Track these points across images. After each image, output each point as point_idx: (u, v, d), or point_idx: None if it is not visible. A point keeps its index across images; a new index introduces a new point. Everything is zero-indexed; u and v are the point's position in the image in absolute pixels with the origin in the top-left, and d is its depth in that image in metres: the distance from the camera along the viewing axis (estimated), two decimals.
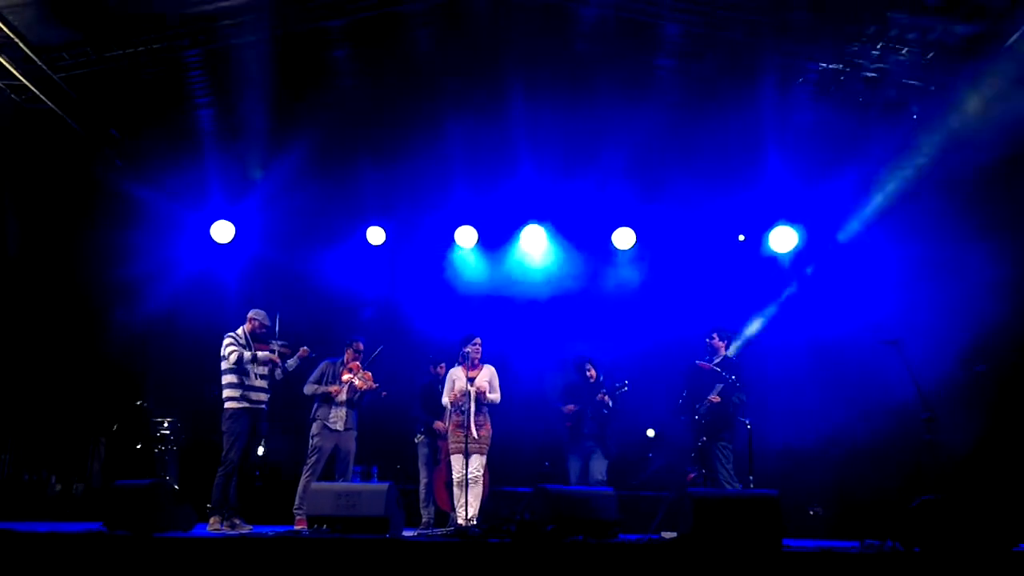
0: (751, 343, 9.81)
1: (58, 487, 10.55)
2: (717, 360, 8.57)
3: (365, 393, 8.64)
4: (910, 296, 9.69)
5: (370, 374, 8.68)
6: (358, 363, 8.72)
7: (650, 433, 11.06)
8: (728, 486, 8.07)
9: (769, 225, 10.99)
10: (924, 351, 8.19)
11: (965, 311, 9.18)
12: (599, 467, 8.77)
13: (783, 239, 10.92)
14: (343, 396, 8.54)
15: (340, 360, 8.76)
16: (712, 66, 9.88)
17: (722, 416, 8.29)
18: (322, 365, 8.69)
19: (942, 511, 5.72)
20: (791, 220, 10.91)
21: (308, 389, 8.62)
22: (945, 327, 9.15)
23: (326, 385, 8.56)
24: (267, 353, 8.10)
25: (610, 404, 8.82)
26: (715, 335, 8.71)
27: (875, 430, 9.60)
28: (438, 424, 8.94)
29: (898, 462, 9.12)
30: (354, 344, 8.82)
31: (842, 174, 10.26)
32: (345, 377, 8.57)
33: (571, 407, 8.95)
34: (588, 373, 9.11)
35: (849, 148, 10.15)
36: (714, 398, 8.30)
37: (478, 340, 8.63)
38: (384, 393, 8.81)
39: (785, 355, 10.35)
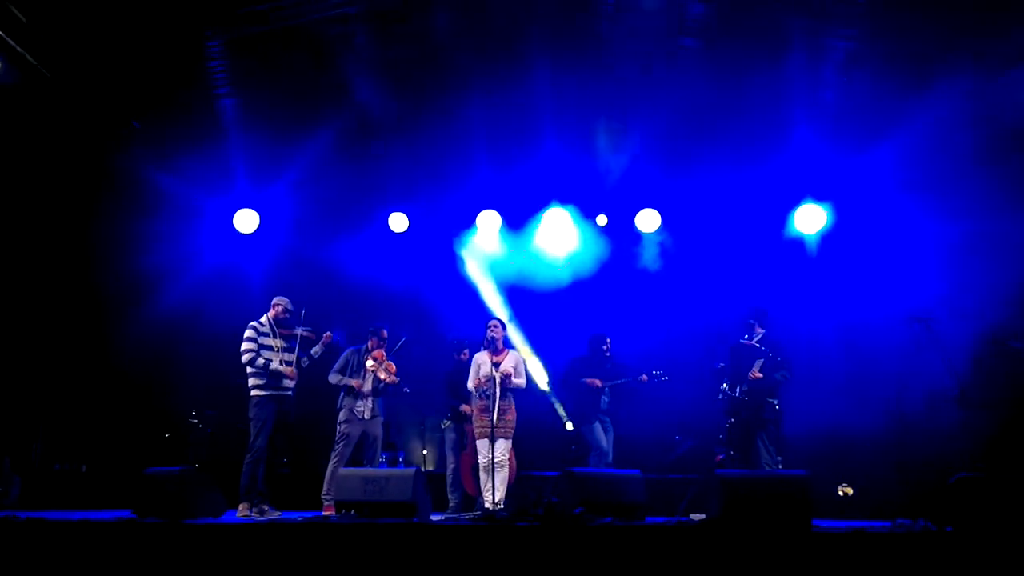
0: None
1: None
2: (757, 339, 8.48)
3: (388, 385, 8.62)
4: (941, 274, 9.58)
5: (394, 366, 8.63)
6: (382, 351, 8.69)
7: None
8: (768, 469, 7.99)
9: (796, 203, 10.85)
10: (957, 329, 8.10)
11: (999, 288, 9.07)
12: (609, 442, 9.07)
13: (811, 218, 10.78)
14: (368, 387, 8.54)
15: (364, 347, 8.75)
16: (737, 42, 9.74)
17: (764, 393, 8.19)
18: (346, 353, 8.69)
19: (976, 490, 5.64)
20: (819, 198, 10.76)
21: (332, 379, 8.63)
22: (979, 305, 9.04)
23: (350, 376, 8.57)
24: (282, 369, 8.07)
25: (644, 379, 9.18)
26: (752, 319, 8.61)
27: (906, 409, 9.51)
28: (465, 407, 8.94)
29: (930, 441, 9.02)
30: (378, 332, 8.78)
31: (873, 151, 10.12)
32: (369, 364, 8.55)
33: (598, 382, 9.07)
34: (605, 348, 9.27)
35: (880, 124, 10.00)
36: (755, 373, 8.21)
37: (495, 322, 8.65)
38: (406, 390, 8.78)
39: (815, 335, 10.25)
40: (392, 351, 8.80)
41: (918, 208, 10.07)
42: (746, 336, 8.57)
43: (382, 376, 8.51)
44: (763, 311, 8.65)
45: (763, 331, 8.50)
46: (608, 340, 9.33)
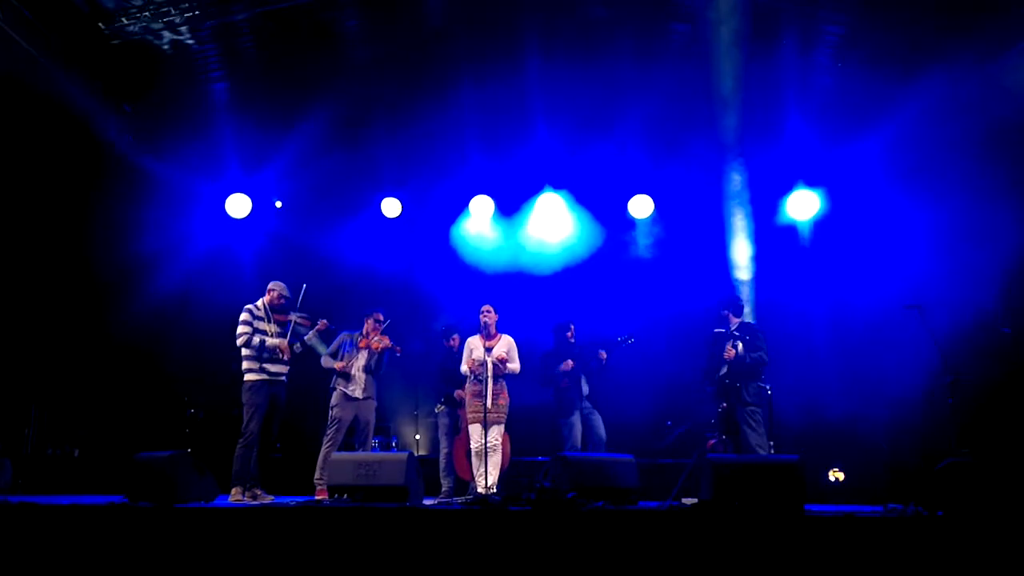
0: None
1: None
2: (733, 328, 8.47)
3: (384, 353, 8.59)
4: (932, 260, 9.60)
5: (387, 337, 8.65)
6: (377, 332, 8.68)
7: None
8: (760, 451, 7.99)
9: (788, 189, 10.85)
10: (948, 314, 8.11)
11: (989, 274, 9.09)
12: (599, 425, 8.85)
13: (803, 203, 10.78)
14: (360, 363, 8.53)
15: (359, 332, 8.74)
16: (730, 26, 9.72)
17: (741, 374, 8.19)
18: (340, 336, 8.68)
19: (966, 474, 5.67)
20: (811, 184, 10.76)
21: (324, 362, 8.62)
22: (969, 290, 9.06)
23: (340, 359, 8.55)
24: (275, 341, 8.08)
25: (604, 357, 8.88)
26: (725, 310, 8.60)
27: (897, 394, 9.54)
28: (458, 392, 8.94)
29: (921, 426, 9.07)
30: (374, 315, 8.77)
31: (864, 138, 10.12)
32: (362, 345, 8.55)
33: (570, 363, 8.89)
34: (569, 335, 9.12)
35: (871, 110, 9.99)
36: (729, 352, 8.23)
37: (488, 307, 8.62)
38: (399, 350, 8.73)
39: (808, 320, 10.28)
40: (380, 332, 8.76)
41: (909, 195, 10.08)
42: (722, 329, 8.55)
43: (375, 345, 8.50)
44: (735, 301, 8.64)
45: (739, 320, 8.50)
46: (572, 327, 9.15)
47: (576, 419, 8.85)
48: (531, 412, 9.49)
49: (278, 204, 11.76)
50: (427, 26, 10.12)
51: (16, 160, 10.35)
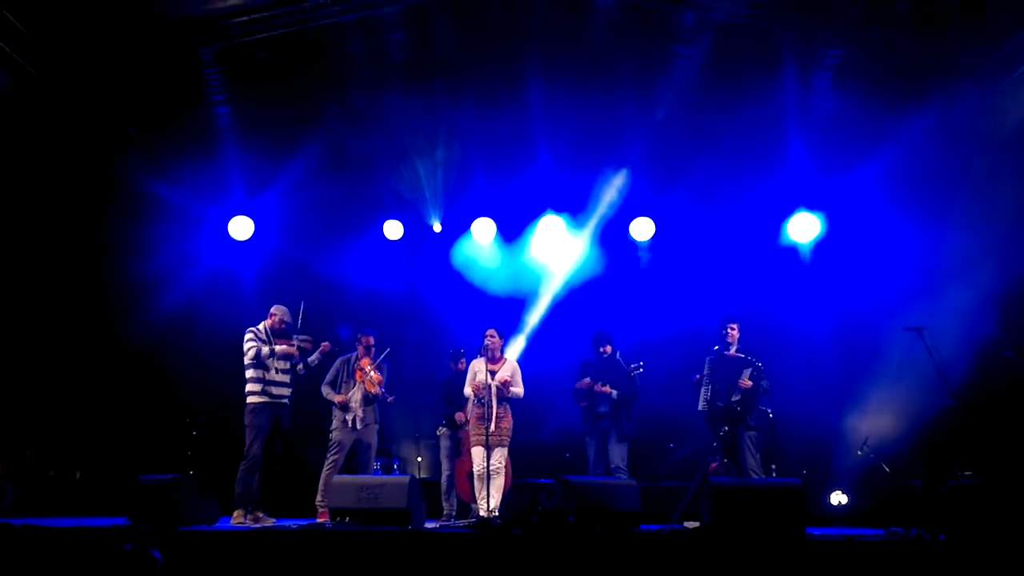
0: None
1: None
2: (735, 349, 8.43)
3: (375, 397, 8.56)
4: (935, 282, 9.62)
5: (379, 376, 8.55)
6: (368, 359, 8.64)
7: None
8: (754, 475, 7.96)
9: (790, 212, 10.89)
10: (950, 337, 8.13)
11: (991, 297, 9.12)
12: (618, 452, 8.53)
13: (804, 227, 10.82)
14: (358, 396, 8.51)
15: (353, 356, 8.72)
16: (730, 53, 9.79)
17: (751, 401, 8.15)
18: (336, 363, 8.65)
19: (968, 498, 5.67)
20: (812, 207, 10.81)
21: (324, 391, 8.60)
22: (972, 313, 9.08)
23: (341, 384, 8.52)
24: (284, 346, 8.08)
25: (614, 395, 8.56)
26: (735, 325, 8.54)
27: (900, 417, 9.54)
28: (459, 415, 8.92)
29: (923, 449, 9.06)
30: (364, 339, 8.73)
31: (864, 160, 10.17)
32: (358, 379, 8.52)
33: (587, 380, 8.65)
34: (603, 350, 8.84)
35: (871, 134, 10.05)
36: (745, 382, 8.15)
37: (493, 331, 8.61)
38: (390, 399, 8.70)
39: (810, 343, 10.28)
40: (376, 363, 8.70)
41: (909, 218, 10.11)
42: (731, 347, 8.48)
43: (368, 388, 8.47)
44: (739, 320, 8.56)
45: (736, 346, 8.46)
46: (607, 339, 8.85)
47: (592, 443, 8.66)
48: (533, 435, 9.48)
49: None
50: (430, 51, 10.20)
51: (22, 179, 10.43)
